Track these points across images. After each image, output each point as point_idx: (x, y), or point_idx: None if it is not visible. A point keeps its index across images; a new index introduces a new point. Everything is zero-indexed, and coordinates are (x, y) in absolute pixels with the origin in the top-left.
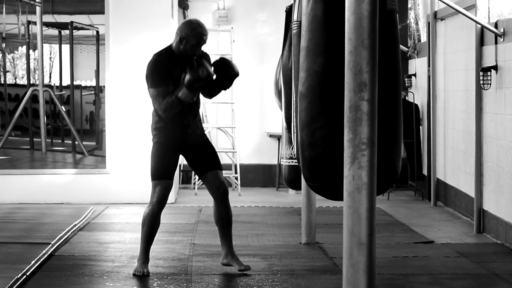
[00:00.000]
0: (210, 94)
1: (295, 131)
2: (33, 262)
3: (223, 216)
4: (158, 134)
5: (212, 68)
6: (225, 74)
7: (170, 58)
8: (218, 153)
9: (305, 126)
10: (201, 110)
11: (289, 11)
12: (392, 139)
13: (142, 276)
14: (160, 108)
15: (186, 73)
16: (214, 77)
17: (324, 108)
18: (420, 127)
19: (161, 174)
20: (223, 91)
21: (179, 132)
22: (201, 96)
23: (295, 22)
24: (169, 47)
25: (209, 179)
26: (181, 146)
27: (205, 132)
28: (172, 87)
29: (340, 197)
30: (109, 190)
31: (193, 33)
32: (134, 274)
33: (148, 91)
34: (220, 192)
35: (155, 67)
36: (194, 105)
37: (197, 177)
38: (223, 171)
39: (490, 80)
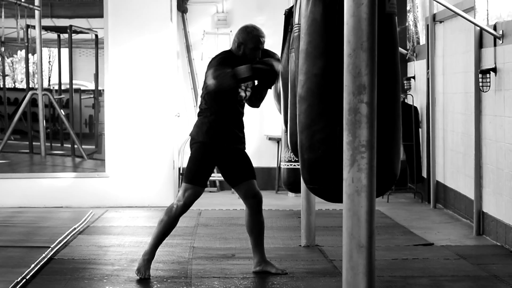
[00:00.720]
0: (257, 99)
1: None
2: (33, 265)
3: (257, 225)
4: (202, 135)
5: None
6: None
7: (234, 56)
8: None
9: (304, 129)
10: None
11: (287, 14)
12: (391, 142)
13: (141, 279)
14: (213, 75)
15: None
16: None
17: (323, 110)
18: (420, 129)
19: (196, 180)
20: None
21: (229, 134)
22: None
23: (296, 25)
24: (230, 50)
25: (245, 188)
26: (224, 148)
27: None
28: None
29: (339, 200)
30: (109, 193)
31: (250, 37)
32: (137, 274)
33: (204, 77)
34: (256, 201)
35: (223, 56)
36: (242, 108)
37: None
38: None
39: (489, 82)
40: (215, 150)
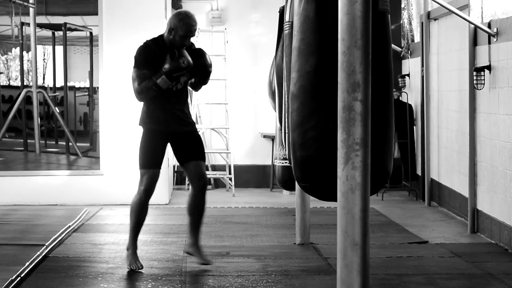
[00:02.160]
0: (193, 86)
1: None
2: (28, 263)
3: (197, 206)
4: (147, 120)
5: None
6: (196, 61)
7: (159, 46)
8: (212, 154)
9: (296, 127)
10: (194, 111)
11: (282, 12)
12: (384, 140)
13: (136, 277)
14: (136, 89)
15: (166, 61)
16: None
17: (316, 108)
18: (414, 127)
19: (149, 163)
20: (209, 89)
21: (168, 117)
22: (195, 94)
23: (287, 23)
24: (161, 36)
25: (192, 168)
26: (170, 132)
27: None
28: (151, 73)
29: (331, 198)
30: (103, 191)
31: (181, 24)
32: (129, 268)
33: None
34: (201, 183)
35: (142, 50)
36: (182, 92)
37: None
38: (217, 172)
39: (484, 80)
40: (159, 132)
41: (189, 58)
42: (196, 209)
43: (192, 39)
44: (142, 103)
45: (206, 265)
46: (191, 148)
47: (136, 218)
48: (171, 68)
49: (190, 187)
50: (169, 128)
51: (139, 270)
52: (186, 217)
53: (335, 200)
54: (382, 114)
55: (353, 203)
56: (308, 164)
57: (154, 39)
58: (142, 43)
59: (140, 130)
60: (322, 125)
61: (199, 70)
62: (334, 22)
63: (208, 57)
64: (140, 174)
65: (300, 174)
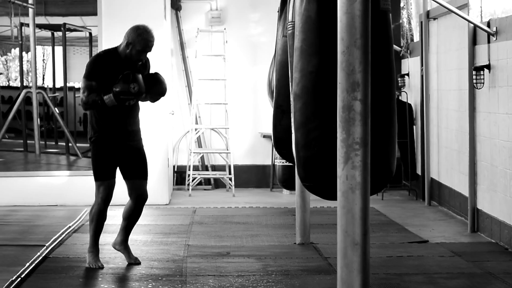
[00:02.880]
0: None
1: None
2: (28, 264)
3: (133, 216)
4: (98, 132)
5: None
6: (151, 88)
7: (112, 58)
8: (212, 154)
9: (300, 127)
10: (194, 111)
11: (281, 11)
12: (387, 139)
13: (137, 277)
14: (82, 100)
15: (119, 81)
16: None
17: (319, 108)
18: (414, 126)
19: (104, 175)
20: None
21: (119, 128)
22: (195, 95)
23: (289, 23)
24: (115, 48)
25: (134, 186)
26: (120, 143)
27: (198, 133)
28: (100, 85)
29: (335, 197)
30: None
31: (139, 39)
32: (89, 266)
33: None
34: (139, 199)
35: (94, 61)
36: (133, 107)
37: (191, 178)
38: (217, 172)
39: (483, 79)
40: (110, 143)
41: (142, 84)
42: (132, 218)
43: (192, 39)
44: (88, 113)
45: (137, 264)
46: (135, 166)
47: (97, 225)
48: (120, 90)
49: (130, 200)
50: (118, 140)
51: (138, 272)
52: (120, 218)
53: None
54: (384, 113)
55: (353, 203)
56: (311, 164)
57: (107, 51)
58: (94, 54)
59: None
60: (325, 125)
61: (153, 95)
62: (336, 22)
63: (164, 83)
64: (96, 185)
65: (304, 174)
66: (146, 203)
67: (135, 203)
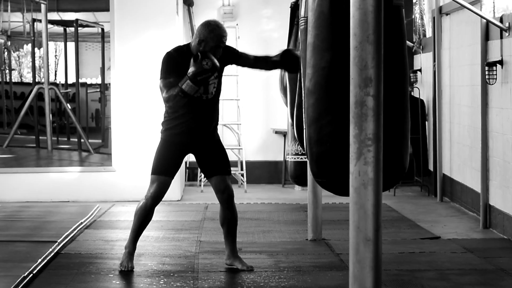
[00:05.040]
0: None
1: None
2: (40, 260)
3: (227, 219)
4: (166, 131)
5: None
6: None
7: (184, 55)
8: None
9: (312, 123)
10: None
11: (294, 7)
12: (400, 135)
13: (149, 273)
14: (164, 98)
15: (190, 66)
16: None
17: (331, 104)
18: (426, 122)
19: (162, 170)
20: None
21: (194, 128)
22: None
23: (302, 18)
24: (187, 45)
25: (215, 182)
26: (189, 143)
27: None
28: (178, 81)
29: (348, 193)
30: (115, 187)
31: (211, 36)
32: (120, 267)
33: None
34: (224, 196)
35: (167, 60)
36: (211, 102)
37: (202, 174)
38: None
39: (496, 74)
40: (180, 143)
41: (214, 60)
42: (227, 223)
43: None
44: (164, 108)
45: (250, 270)
46: (215, 162)
47: (139, 223)
48: (194, 71)
49: (219, 204)
50: (193, 139)
51: (150, 268)
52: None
53: None
54: (398, 109)
55: (365, 199)
56: (324, 160)
57: (177, 48)
58: (164, 54)
59: (153, 129)
60: (337, 120)
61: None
62: (349, 17)
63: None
64: (151, 179)
65: (317, 170)
66: None
67: (222, 201)
